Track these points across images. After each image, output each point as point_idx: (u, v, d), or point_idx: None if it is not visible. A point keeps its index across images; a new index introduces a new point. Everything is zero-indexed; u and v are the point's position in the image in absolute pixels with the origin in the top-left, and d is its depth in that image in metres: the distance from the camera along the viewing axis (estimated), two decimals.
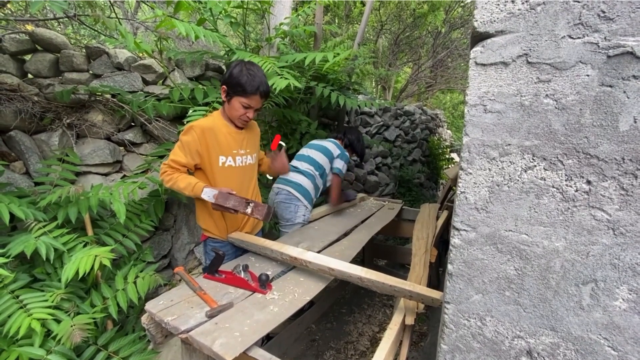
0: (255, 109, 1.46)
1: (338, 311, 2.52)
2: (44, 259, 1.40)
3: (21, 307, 1.33)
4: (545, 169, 0.68)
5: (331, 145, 2.17)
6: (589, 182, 0.65)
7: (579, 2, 0.63)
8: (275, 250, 1.41)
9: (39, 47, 1.96)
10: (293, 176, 2.05)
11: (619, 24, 0.60)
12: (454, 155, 6.07)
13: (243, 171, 1.56)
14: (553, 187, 0.68)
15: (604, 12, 0.61)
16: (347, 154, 2.20)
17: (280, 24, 2.40)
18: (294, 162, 2.16)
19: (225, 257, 1.47)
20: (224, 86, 1.44)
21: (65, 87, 1.90)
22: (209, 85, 2.25)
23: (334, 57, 2.02)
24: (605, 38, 0.61)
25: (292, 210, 1.99)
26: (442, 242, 2.54)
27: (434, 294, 1.05)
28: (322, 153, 2.13)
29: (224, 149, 1.47)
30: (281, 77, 1.79)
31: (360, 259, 2.81)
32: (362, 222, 2.13)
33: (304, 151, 2.20)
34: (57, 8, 1.37)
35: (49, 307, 1.37)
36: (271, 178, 2.08)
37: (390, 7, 5.90)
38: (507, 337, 0.76)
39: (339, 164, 2.13)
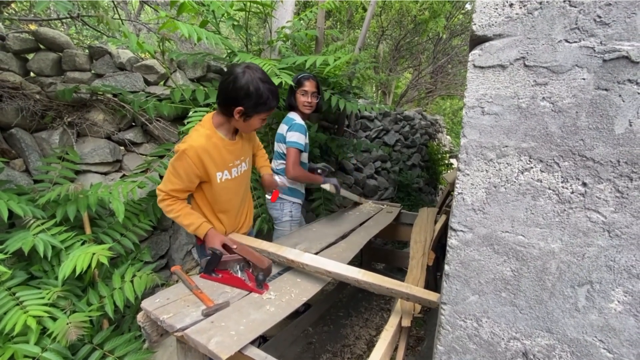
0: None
1: (335, 314, 2.51)
2: (42, 256, 1.40)
3: (17, 304, 1.32)
4: (542, 171, 0.69)
5: (281, 127, 2.03)
6: (584, 184, 0.65)
7: (575, 7, 0.64)
8: (272, 252, 1.41)
9: (42, 46, 1.98)
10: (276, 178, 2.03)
11: (615, 29, 0.61)
12: (453, 160, 6.08)
13: (239, 181, 1.53)
14: (549, 188, 0.68)
15: (600, 17, 0.62)
16: (298, 122, 1.97)
17: (282, 27, 2.42)
18: (271, 164, 2.10)
19: None
20: (240, 108, 1.28)
21: (67, 86, 1.91)
22: (210, 86, 2.27)
23: (335, 60, 2.04)
24: (601, 42, 0.62)
25: (278, 208, 2.05)
26: (440, 246, 2.54)
27: (431, 295, 1.06)
28: (278, 141, 2.05)
29: (219, 165, 1.39)
30: (278, 77, 1.79)
31: (358, 262, 2.81)
32: (360, 224, 2.13)
33: (275, 147, 2.12)
34: (61, 8, 1.39)
35: (45, 304, 1.37)
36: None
37: (391, 13, 5.95)
38: (503, 339, 0.76)
39: (290, 137, 1.94)
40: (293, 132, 1.94)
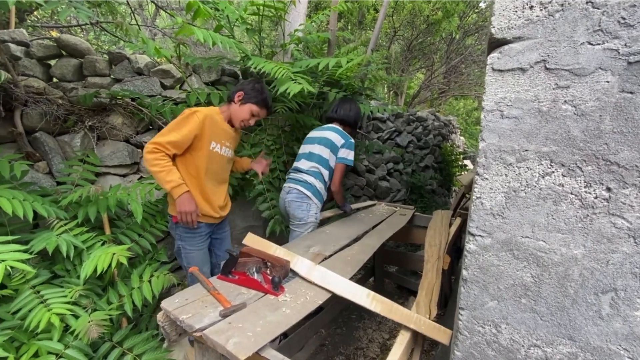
0: (256, 120, 1.75)
1: (348, 317, 2.51)
2: (64, 256, 1.45)
3: (41, 302, 1.37)
4: (564, 175, 0.68)
5: (334, 135, 2.06)
6: (609, 189, 0.64)
7: (598, 8, 0.62)
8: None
9: (64, 53, 2.05)
10: (301, 176, 2.04)
11: None
12: (467, 162, 5.99)
13: (224, 160, 1.75)
14: (571, 193, 0.67)
15: (624, 18, 0.61)
16: (351, 140, 2.07)
17: (295, 30, 2.44)
18: (297, 164, 2.12)
19: (200, 237, 1.67)
20: (242, 92, 1.68)
21: (88, 90, 1.97)
22: (224, 90, 2.30)
23: (347, 62, 2.04)
24: (625, 44, 0.61)
25: (305, 209, 1.99)
26: (454, 250, 2.50)
27: (441, 334, 1.04)
28: (325, 146, 2.05)
29: (215, 137, 1.65)
30: (295, 82, 1.82)
31: (371, 265, 2.79)
32: (373, 227, 2.12)
33: (305, 148, 2.13)
34: (82, 16, 1.44)
35: (68, 302, 1.41)
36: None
37: (403, 14, 5.92)
38: (523, 346, 0.74)
39: (344, 153, 2.04)
40: (348, 150, 2.05)
